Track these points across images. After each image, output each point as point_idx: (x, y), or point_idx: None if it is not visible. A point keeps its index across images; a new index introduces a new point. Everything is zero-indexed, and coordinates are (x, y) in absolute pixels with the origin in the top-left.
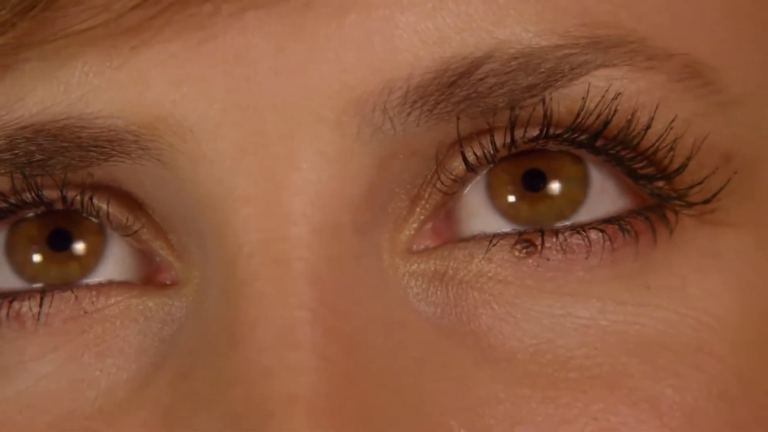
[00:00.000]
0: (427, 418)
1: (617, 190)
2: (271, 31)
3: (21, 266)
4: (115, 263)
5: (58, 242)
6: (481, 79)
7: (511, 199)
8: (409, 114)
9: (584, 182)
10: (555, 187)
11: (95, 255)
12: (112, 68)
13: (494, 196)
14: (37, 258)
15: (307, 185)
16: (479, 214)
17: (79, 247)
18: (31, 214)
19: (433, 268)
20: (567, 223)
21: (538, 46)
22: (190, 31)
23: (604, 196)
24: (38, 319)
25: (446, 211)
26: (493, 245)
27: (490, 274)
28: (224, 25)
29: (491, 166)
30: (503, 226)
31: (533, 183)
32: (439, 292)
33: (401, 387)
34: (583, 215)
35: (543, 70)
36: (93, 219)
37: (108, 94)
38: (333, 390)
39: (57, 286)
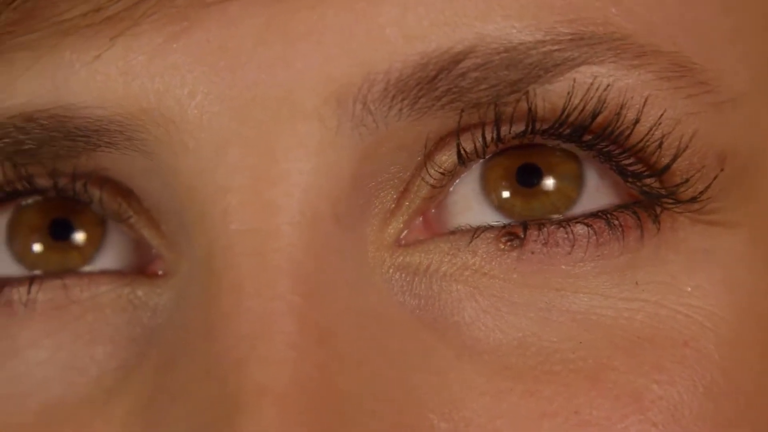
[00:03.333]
0: (405, 410)
1: (611, 188)
2: (252, 22)
3: (21, 254)
4: (114, 254)
5: (59, 231)
6: (462, 74)
7: (506, 194)
8: (390, 108)
9: (579, 180)
10: (549, 183)
11: (95, 245)
12: (95, 58)
13: (488, 191)
14: (37, 247)
15: (286, 177)
16: (473, 208)
17: (80, 236)
18: (30, 201)
19: (417, 261)
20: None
21: (521, 42)
22: (173, 21)
23: (599, 195)
24: (26, 305)
25: (440, 204)
26: (477, 237)
27: (474, 267)
28: (207, 16)
29: (482, 160)
30: (497, 221)
31: (528, 178)
32: (423, 285)
33: (378, 379)
34: (577, 213)
35: (526, 65)
36: (91, 206)
37: (93, 85)
38: (304, 381)
39: (48, 273)
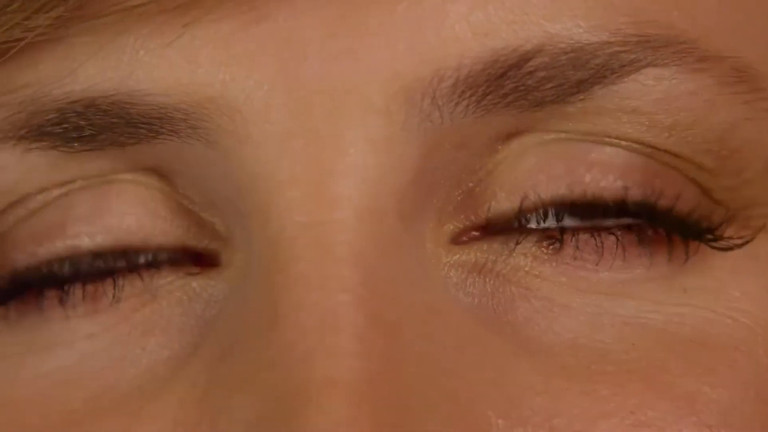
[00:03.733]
0: (464, 406)
1: None
2: (322, 14)
3: None
4: None
5: None
6: (530, 72)
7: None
8: (457, 104)
9: None
10: None
11: None
12: (163, 45)
13: None
14: None
15: (352, 170)
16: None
17: None
18: None
19: (473, 260)
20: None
21: (589, 42)
22: (241, 10)
23: None
24: (116, 301)
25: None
26: (518, 244)
27: (526, 269)
28: (275, 7)
29: None
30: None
31: None
32: (477, 283)
33: (439, 374)
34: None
35: (592, 65)
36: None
37: (158, 72)
38: (373, 374)
39: (123, 268)
